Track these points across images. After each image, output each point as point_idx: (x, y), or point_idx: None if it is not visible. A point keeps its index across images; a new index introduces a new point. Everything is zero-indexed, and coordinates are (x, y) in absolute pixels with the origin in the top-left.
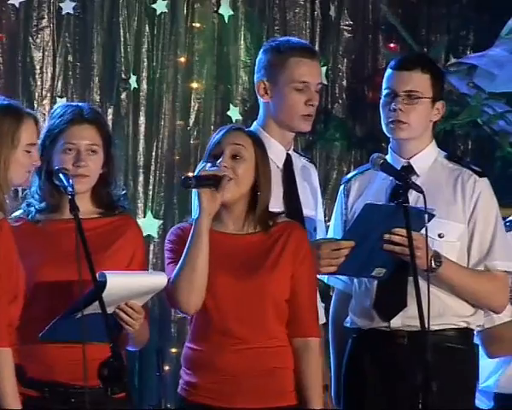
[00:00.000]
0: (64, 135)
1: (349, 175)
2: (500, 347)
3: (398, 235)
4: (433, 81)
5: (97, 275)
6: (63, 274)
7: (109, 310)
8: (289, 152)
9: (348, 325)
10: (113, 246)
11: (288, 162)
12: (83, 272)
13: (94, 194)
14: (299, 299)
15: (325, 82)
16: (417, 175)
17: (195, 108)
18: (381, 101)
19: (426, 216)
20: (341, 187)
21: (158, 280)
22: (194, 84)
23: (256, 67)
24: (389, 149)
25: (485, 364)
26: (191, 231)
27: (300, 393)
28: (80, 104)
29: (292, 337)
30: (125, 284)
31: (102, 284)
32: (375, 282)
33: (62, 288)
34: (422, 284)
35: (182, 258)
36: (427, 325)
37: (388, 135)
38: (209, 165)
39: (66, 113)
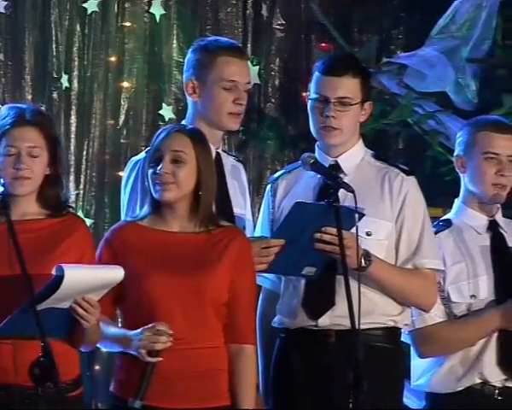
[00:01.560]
0: (6, 138)
1: (276, 174)
2: (431, 347)
3: (328, 234)
4: (362, 84)
5: (54, 268)
6: (5, 271)
7: (66, 305)
8: (218, 151)
9: (276, 325)
10: (61, 246)
11: (218, 161)
12: (32, 269)
13: (40, 195)
14: (238, 306)
15: (258, 81)
16: (345, 174)
17: (126, 108)
18: (310, 104)
19: (356, 216)
20: (268, 186)
21: (114, 274)
22: (125, 84)
23: (185, 67)
24: (316, 147)
25: (418, 363)
26: (126, 344)
27: (233, 397)
28: (24, 106)
29: (228, 343)
30: (82, 277)
31: (60, 278)
32: (303, 281)
33: (6, 286)
34: (351, 282)
35: (111, 339)
36: (357, 324)
37: (318, 140)
38: None
39: (9, 115)
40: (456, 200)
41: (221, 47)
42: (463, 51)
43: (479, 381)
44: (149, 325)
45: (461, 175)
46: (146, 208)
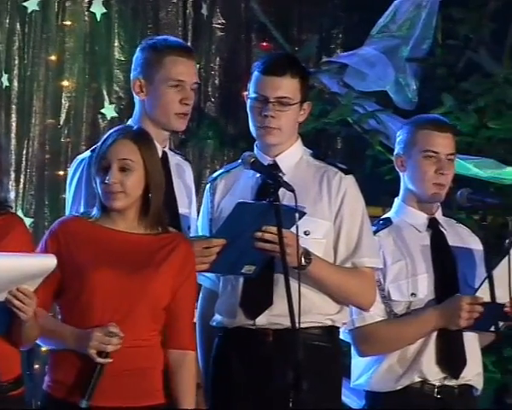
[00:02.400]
0: None
1: (215, 174)
2: (371, 346)
3: (269, 233)
4: (301, 84)
5: None
6: None
7: (1, 297)
8: (165, 149)
9: (214, 324)
10: None
11: (164, 160)
12: None
13: None
14: (180, 312)
15: (198, 80)
16: (283, 173)
17: (66, 107)
18: (250, 103)
19: (297, 214)
20: (207, 186)
21: (46, 262)
22: (66, 83)
23: (133, 65)
24: (255, 147)
25: (357, 362)
26: (70, 341)
27: (172, 401)
28: None
29: (168, 349)
30: (12, 265)
31: None
32: (241, 280)
33: None
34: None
35: (54, 335)
36: (297, 323)
37: (257, 139)
38: None
39: None
40: (396, 199)
41: (169, 46)
42: (404, 51)
43: (418, 380)
44: (101, 327)
45: (401, 174)
46: (95, 211)
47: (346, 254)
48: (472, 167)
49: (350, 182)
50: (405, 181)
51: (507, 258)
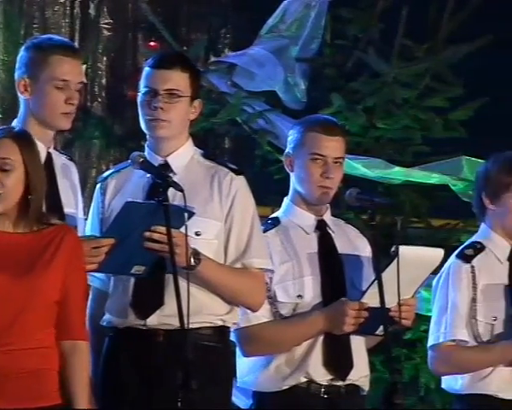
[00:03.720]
0: None
1: (105, 174)
2: (256, 347)
3: (157, 232)
4: (191, 80)
5: None
6: None
7: None
8: (50, 150)
9: (105, 324)
10: None
11: (49, 160)
12: None
13: None
14: (71, 302)
15: (84, 80)
16: (174, 173)
17: None
18: (140, 99)
19: (186, 214)
20: (98, 185)
21: None
22: None
23: (17, 65)
24: (146, 147)
25: (243, 361)
26: None
27: (67, 394)
28: None
29: (60, 340)
30: None
31: None
32: (133, 280)
33: None
34: (180, 281)
35: None
36: (186, 323)
37: (148, 133)
38: None
39: None
40: (285, 198)
41: (54, 45)
42: (292, 50)
43: (304, 380)
44: None
45: (290, 174)
46: None
47: (236, 255)
48: (360, 167)
49: (241, 183)
50: (294, 182)
51: (394, 263)
